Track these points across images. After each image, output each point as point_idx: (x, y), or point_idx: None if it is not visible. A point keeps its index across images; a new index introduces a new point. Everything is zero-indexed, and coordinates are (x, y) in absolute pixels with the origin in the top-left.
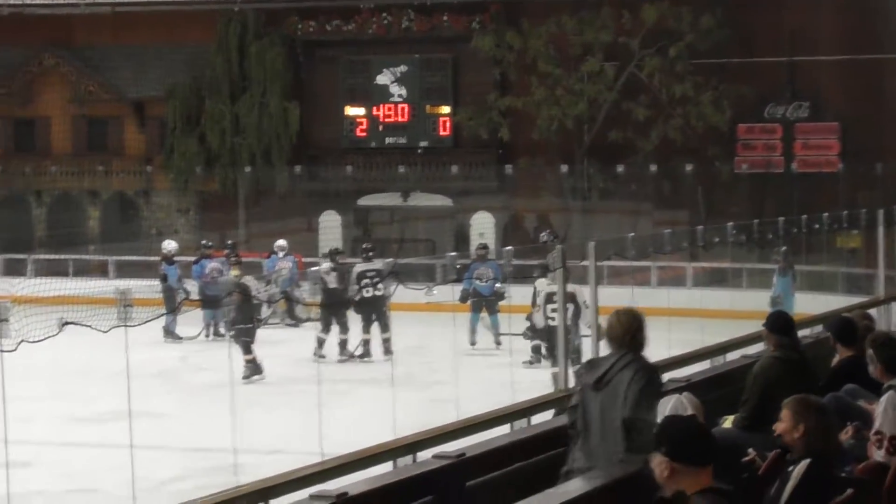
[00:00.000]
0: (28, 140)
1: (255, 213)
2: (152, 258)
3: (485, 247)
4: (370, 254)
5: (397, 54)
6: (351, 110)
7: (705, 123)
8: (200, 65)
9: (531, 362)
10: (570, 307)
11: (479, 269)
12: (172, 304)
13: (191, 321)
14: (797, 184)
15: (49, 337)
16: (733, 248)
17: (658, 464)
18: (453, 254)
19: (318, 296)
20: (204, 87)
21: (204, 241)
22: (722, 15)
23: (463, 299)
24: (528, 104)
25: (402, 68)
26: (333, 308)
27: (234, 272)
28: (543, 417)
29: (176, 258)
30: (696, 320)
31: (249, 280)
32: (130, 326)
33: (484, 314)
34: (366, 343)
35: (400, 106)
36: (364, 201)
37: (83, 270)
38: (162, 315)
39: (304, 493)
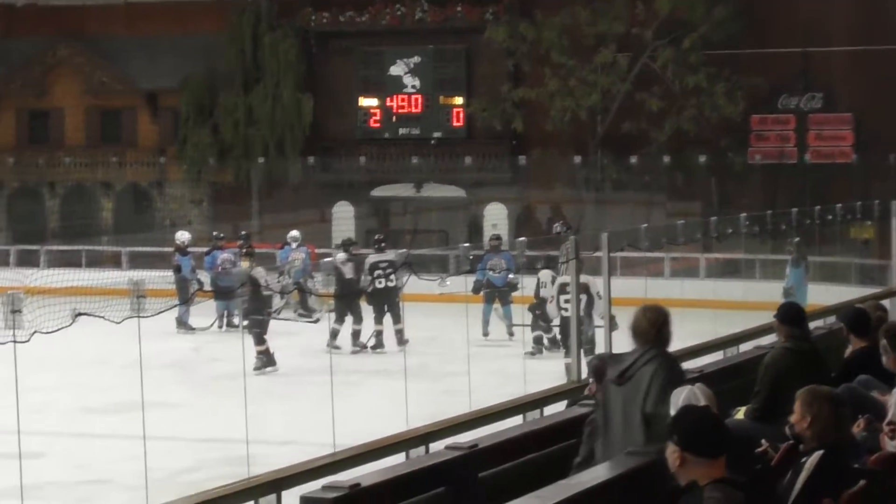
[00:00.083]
0: (42, 131)
1: (268, 204)
2: (165, 249)
3: (498, 238)
4: (382, 245)
5: (411, 45)
6: (364, 101)
7: (719, 114)
8: (214, 56)
9: (532, 353)
10: (583, 298)
11: (493, 260)
12: (185, 295)
13: (204, 312)
14: (810, 175)
15: (62, 328)
16: (746, 239)
17: (671, 453)
18: (466, 245)
19: (332, 287)
20: (217, 78)
21: (215, 233)
22: (735, 6)
23: (476, 290)
24: (542, 95)
25: (416, 59)
26: (348, 299)
27: (244, 263)
28: (556, 408)
29: (189, 249)
30: (709, 311)
31: (259, 272)
32: (143, 317)
33: (497, 305)
34: (378, 334)
35: (413, 97)
36: (377, 192)
37: (96, 261)
38: (175, 306)
39: (316, 484)
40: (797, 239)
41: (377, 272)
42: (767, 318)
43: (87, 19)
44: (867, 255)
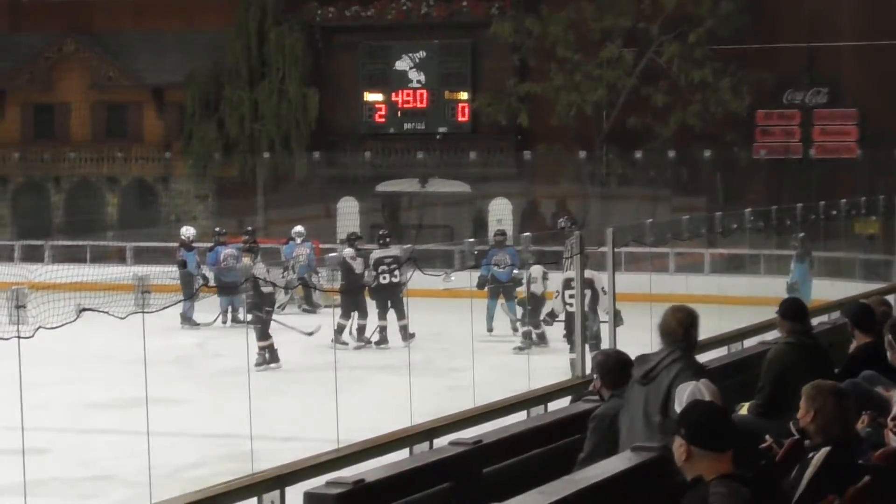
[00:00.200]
0: (47, 126)
1: (273, 199)
2: (170, 244)
3: (503, 233)
4: (387, 240)
5: (416, 40)
6: (370, 96)
7: (724, 109)
8: (220, 51)
9: (521, 348)
10: (588, 293)
11: (497, 256)
12: (190, 291)
13: (208, 307)
14: (815, 170)
15: (66, 323)
16: (751, 235)
17: (677, 447)
18: (471, 240)
19: (337, 282)
20: (223, 73)
21: (217, 228)
22: (741, 0)
23: (480, 285)
24: (547, 90)
25: (421, 54)
26: (354, 294)
27: (245, 260)
28: (560, 404)
29: (194, 244)
30: (714, 307)
31: (259, 268)
32: (148, 313)
33: (502, 300)
34: (382, 329)
35: (419, 92)
36: (382, 187)
37: (101, 257)
38: (179, 301)
39: (320, 480)
40: (802, 234)
41: (381, 268)
42: (772, 313)
43: (93, 14)
44: (872, 250)
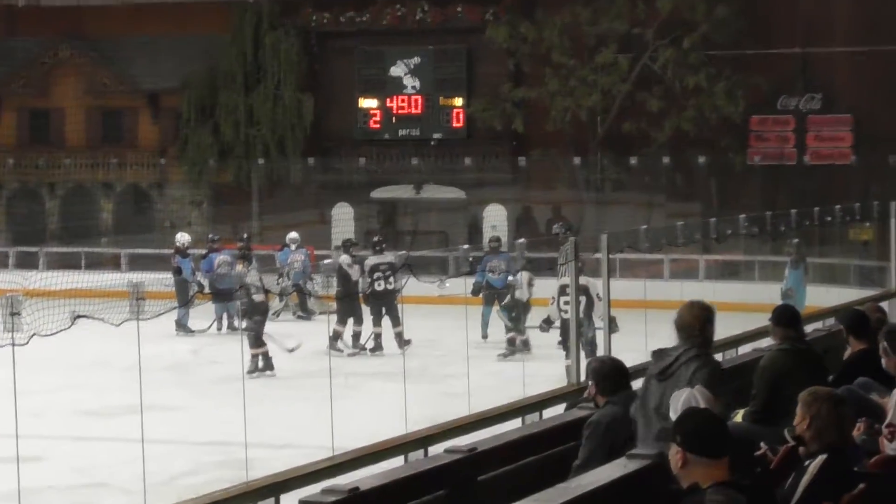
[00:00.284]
0: (42, 132)
1: (268, 205)
2: (165, 251)
3: (497, 239)
4: (382, 246)
5: (411, 45)
6: (365, 102)
7: (719, 115)
8: (215, 56)
9: (506, 355)
10: (583, 300)
11: (492, 262)
12: (185, 297)
13: (203, 314)
14: (810, 176)
15: (61, 330)
16: (746, 241)
17: (674, 454)
18: (466, 246)
19: (332, 288)
20: (218, 78)
21: (210, 235)
22: (736, 5)
23: (475, 292)
24: (542, 95)
25: (416, 60)
26: (350, 301)
27: (239, 267)
28: (555, 411)
29: (190, 250)
30: None
31: (252, 276)
32: (143, 320)
33: (496, 307)
34: (377, 336)
35: (413, 97)
36: (377, 193)
37: (96, 263)
38: (174, 308)
39: (315, 488)
40: (796, 240)
41: (377, 274)
42: (766, 320)
43: (88, 20)
44: (866, 256)
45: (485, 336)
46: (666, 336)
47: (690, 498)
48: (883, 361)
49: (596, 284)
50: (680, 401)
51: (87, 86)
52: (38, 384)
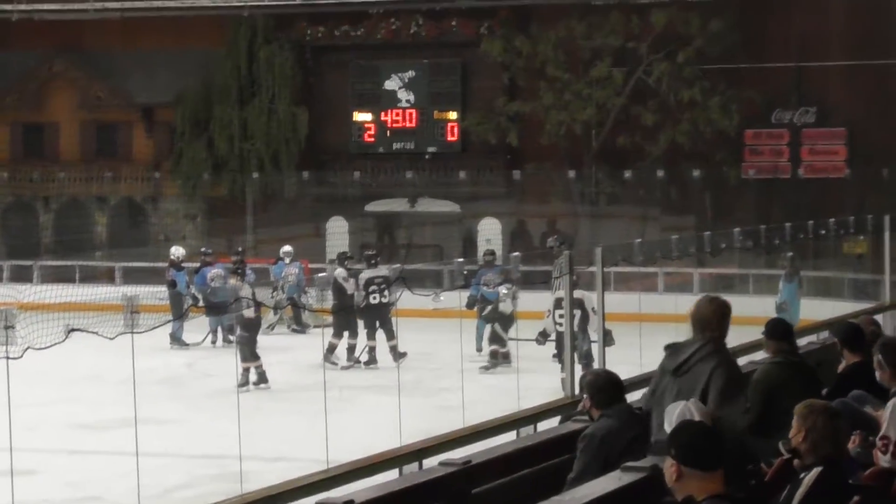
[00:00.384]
0: (37, 146)
1: (262, 218)
2: (160, 264)
3: (492, 253)
4: (375, 261)
5: (406, 59)
6: (359, 115)
7: (713, 128)
8: (210, 70)
9: (487, 367)
10: (578, 313)
11: (487, 276)
12: (179, 311)
13: (197, 328)
14: (804, 189)
15: (55, 344)
16: (740, 254)
17: (668, 467)
18: (460, 260)
19: (327, 302)
20: (213, 92)
21: (203, 249)
22: (731, 19)
23: (470, 305)
24: (537, 109)
25: (411, 73)
26: (346, 314)
27: (232, 281)
28: (550, 424)
29: (184, 264)
30: None
31: (246, 291)
32: (137, 333)
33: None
34: (371, 350)
35: (408, 111)
36: (372, 207)
37: (90, 277)
38: (168, 322)
39: (309, 501)
40: (791, 254)
41: (372, 288)
42: (760, 333)
43: (83, 34)
44: (861, 269)
45: (479, 349)
46: (660, 349)
47: None
48: (877, 374)
49: (591, 298)
50: (675, 414)
51: (82, 100)
52: (33, 397)
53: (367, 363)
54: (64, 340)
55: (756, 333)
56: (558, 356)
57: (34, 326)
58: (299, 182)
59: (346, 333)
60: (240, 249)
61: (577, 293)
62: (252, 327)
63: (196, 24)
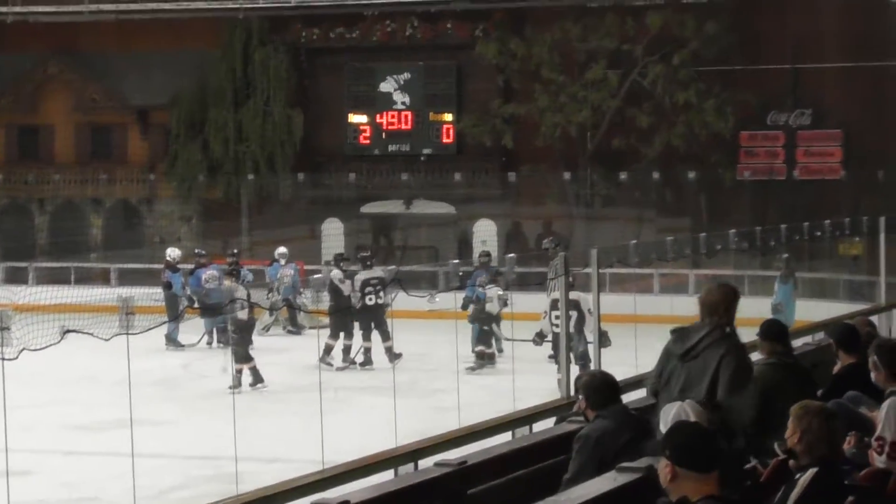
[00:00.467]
0: (32, 148)
1: (257, 220)
2: (155, 266)
3: (487, 254)
4: (370, 262)
5: (401, 61)
6: (354, 118)
7: (708, 130)
8: (205, 72)
9: (473, 368)
10: (574, 314)
11: (482, 277)
12: (175, 312)
13: (193, 329)
14: (799, 191)
15: (50, 345)
16: (735, 256)
17: (663, 468)
18: (456, 261)
19: (322, 303)
20: (208, 94)
21: (197, 250)
22: (726, 21)
23: (465, 307)
24: (532, 111)
25: (406, 76)
26: (342, 315)
27: (227, 283)
28: (545, 425)
29: (180, 265)
30: None
31: (240, 293)
32: (132, 334)
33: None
34: (367, 351)
35: (403, 113)
36: (367, 209)
37: (85, 278)
38: (164, 323)
39: (305, 501)
40: (786, 255)
41: (368, 289)
42: (755, 334)
43: (78, 36)
44: (856, 271)
45: (475, 350)
46: (656, 350)
47: None
48: (872, 375)
49: (587, 299)
50: (670, 414)
51: (77, 102)
52: (28, 398)
53: (362, 364)
54: (59, 342)
55: (751, 334)
56: (555, 357)
57: (29, 328)
58: (294, 184)
59: (342, 334)
60: (234, 251)
61: (574, 294)
62: (245, 329)
63: (191, 27)
